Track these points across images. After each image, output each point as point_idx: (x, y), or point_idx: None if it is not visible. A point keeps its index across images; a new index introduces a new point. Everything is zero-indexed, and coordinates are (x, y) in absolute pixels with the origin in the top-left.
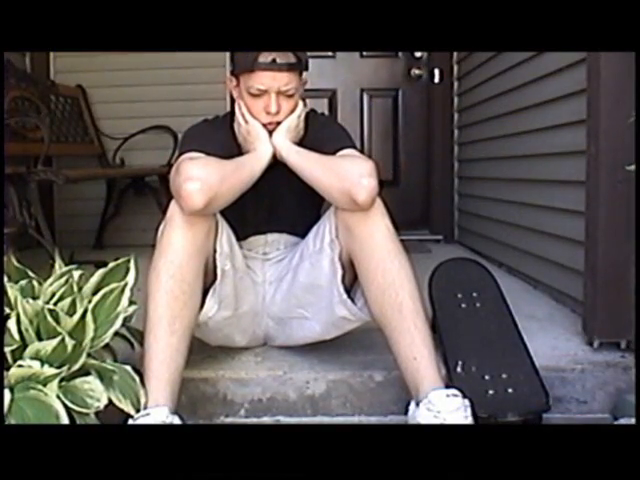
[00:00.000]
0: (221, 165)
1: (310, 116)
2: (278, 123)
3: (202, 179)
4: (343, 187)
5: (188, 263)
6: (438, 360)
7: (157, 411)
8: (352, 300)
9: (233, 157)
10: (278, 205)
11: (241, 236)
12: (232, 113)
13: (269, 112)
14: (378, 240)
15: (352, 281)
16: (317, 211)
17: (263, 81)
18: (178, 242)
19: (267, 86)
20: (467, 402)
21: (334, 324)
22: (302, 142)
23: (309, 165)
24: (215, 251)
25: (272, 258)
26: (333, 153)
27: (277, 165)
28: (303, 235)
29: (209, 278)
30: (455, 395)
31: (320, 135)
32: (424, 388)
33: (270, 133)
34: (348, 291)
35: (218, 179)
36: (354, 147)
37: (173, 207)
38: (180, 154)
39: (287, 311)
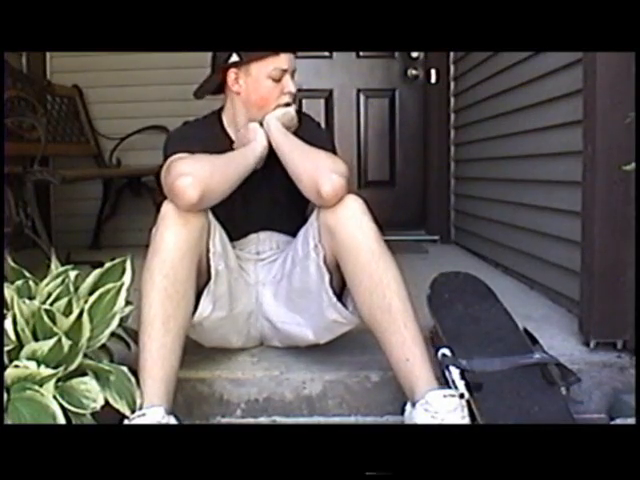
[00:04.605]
0: (211, 160)
1: (302, 117)
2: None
3: (193, 173)
4: (313, 175)
5: (181, 262)
6: (431, 359)
7: (153, 411)
8: (343, 304)
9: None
10: (267, 204)
11: (234, 237)
12: (219, 111)
13: (289, 92)
14: (361, 241)
15: (343, 285)
16: (303, 211)
17: (287, 62)
18: (171, 241)
19: (288, 65)
20: (464, 402)
21: (326, 328)
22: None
23: (290, 148)
24: (208, 251)
25: (265, 258)
26: None
27: (266, 165)
28: (294, 234)
29: (202, 279)
30: (452, 395)
31: (307, 135)
32: (420, 389)
33: None
34: (339, 295)
35: (209, 173)
36: (334, 152)
37: (166, 207)
38: (167, 157)
39: (283, 316)
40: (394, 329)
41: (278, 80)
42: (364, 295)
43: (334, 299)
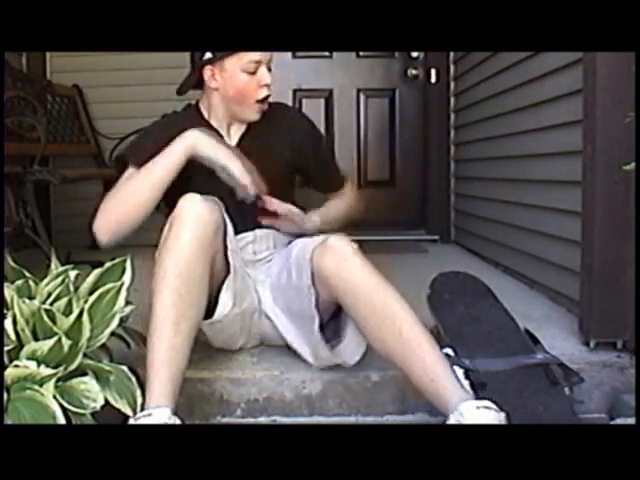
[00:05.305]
0: (119, 197)
1: (279, 107)
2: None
3: (99, 219)
4: None
5: (196, 262)
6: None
7: (159, 412)
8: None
9: None
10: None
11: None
12: (196, 106)
13: (265, 84)
14: (358, 281)
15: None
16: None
17: (260, 53)
18: (185, 240)
19: (262, 56)
20: (502, 416)
21: (321, 358)
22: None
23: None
24: (226, 247)
25: (262, 259)
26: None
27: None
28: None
29: (214, 279)
30: (487, 407)
31: (291, 125)
32: (452, 403)
33: (264, 115)
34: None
35: (114, 216)
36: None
37: (181, 204)
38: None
39: (284, 319)
40: (411, 355)
41: (253, 72)
42: (374, 328)
43: (323, 343)
